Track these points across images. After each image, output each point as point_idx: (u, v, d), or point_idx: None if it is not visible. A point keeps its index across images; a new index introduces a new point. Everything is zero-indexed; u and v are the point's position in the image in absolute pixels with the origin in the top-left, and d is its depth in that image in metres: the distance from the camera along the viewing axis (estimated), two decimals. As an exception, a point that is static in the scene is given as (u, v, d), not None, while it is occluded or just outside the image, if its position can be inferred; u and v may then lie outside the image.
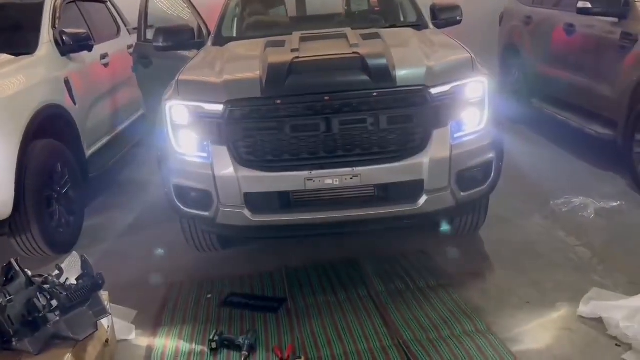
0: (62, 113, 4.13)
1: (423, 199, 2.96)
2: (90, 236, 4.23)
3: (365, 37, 3.39)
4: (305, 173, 2.90)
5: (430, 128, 2.91)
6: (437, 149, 2.91)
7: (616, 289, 2.99)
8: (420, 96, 2.89)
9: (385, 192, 3.01)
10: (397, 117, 2.88)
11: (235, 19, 4.45)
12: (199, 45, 4.29)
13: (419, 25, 4.08)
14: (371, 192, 3.06)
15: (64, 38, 4.46)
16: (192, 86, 3.13)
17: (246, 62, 3.38)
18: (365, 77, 2.90)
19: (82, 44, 4.56)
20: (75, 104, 4.39)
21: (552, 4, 5.94)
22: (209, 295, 3.25)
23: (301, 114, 2.88)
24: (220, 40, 4.09)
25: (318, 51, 3.14)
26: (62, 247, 3.91)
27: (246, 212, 2.98)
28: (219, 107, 2.94)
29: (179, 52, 4.58)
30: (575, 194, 4.22)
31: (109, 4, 6.33)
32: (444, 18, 4.31)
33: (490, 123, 3.08)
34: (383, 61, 2.94)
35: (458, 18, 4.39)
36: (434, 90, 2.91)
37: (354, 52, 3.04)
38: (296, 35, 3.55)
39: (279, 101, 2.88)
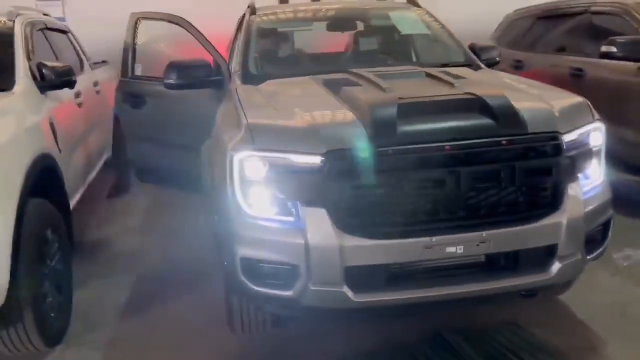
0: (53, 164, 3.28)
1: (556, 267, 2.48)
2: (82, 319, 3.33)
3: (452, 76, 2.92)
4: (424, 240, 2.32)
5: (565, 182, 2.47)
6: (573, 207, 2.46)
7: None
8: (555, 144, 2.44)
9: (510, 260, 2.49)
10: (533, 169, 2.40)
11: (256, 55, 3.82)
12: (217, 84, 3.63)
13: (470, 65, 3.69)
14: (481, 259, 2.53)
15: (44, 72, 3.63)
16: (272, 132, 2.48)
17: (321, 103, 2.77)
18: (489, 121, 2.41)
19: (65, 79, 3.74)
20: (60, 151, 3.55)
21: (550, 49, 5.85)
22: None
23: (419, 167, 2.33)
24: (250, 78, 3.46)
25: (416, 91, 2.62)
26: (55, 337, 3.03)
27: (346, 291, 2.34)
28: (316, 160, 2.31)
29: (175, 91, 3.91)
30: (631, 247, 3.95)
31: (70, 35, 5.49)
32: (486, 58, 3.96)
33: (606, 174, 2.70)
34: (508, 102, 2.47)
35: (497, 59, 4.07)
36: (566, 137, 2.48)
37: (466, 93, 2.55)
38: (364, 72, 3.01)
39: (390, 152, 2.32)
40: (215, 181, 2.63)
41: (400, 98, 2.48)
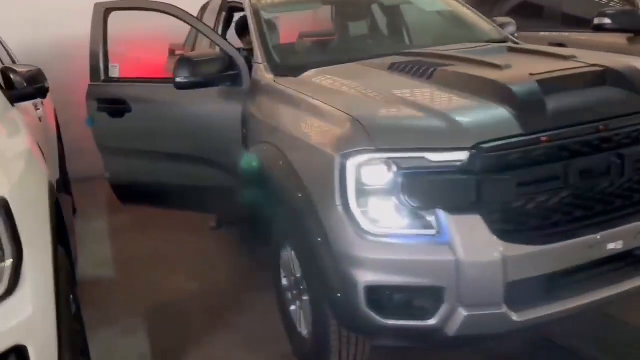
0: (55, 194, 2.54)
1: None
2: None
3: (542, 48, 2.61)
4: (590, 238, 1.98)
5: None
6: None
7: None
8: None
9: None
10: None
11: (280, 44, 3.27)
12: (233, 79, 3.06)
13: (505, 42, 3.40)
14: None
15: (12, 78, 2.85)
16: (394, 127, 2.00)
17: (414, 90, 2.31)
18: (632, 94, 2.12)
19: (37, 86, 2.97)
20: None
21: (522, 25, 5.75)
22: None
23: (579, 153, 1.98)
24: (283, 69, 2.92)
25: (532, 67, 2.26)
26: (91, 416, 2.35)
27: (507, 312, 1.93)
28: (462, 155, 1.88)
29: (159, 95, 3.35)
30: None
31: (-1, 35, 4.56)
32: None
33: None
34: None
35: (516, 35, 3.83)
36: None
37: (592, 64, 2.23)
38: (438, 51, 2.61)
39: (544, 138, 1.94)
40: (309, 194, 2.11)
41: (531, 74, 2.10)
